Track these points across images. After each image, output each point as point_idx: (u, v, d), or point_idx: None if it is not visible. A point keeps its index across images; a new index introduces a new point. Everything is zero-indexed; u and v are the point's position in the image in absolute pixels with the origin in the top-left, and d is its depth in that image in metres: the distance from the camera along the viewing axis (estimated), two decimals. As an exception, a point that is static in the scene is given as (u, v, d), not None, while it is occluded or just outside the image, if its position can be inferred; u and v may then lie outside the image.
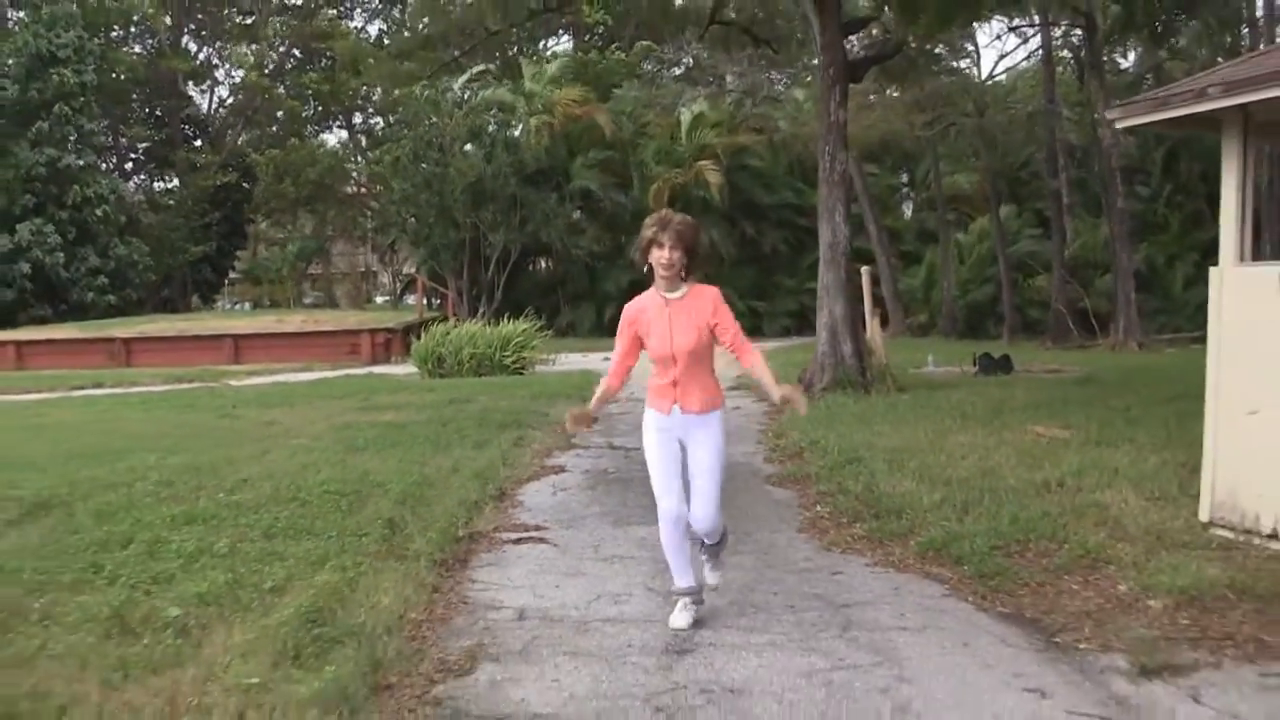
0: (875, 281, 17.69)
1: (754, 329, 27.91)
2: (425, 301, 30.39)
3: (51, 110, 29.70)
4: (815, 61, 13.24)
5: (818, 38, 12.26)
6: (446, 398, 12.05)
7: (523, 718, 3.10)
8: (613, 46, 34.62)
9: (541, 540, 5.32)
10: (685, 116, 29.41)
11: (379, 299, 49.69)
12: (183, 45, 41.03)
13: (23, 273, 28.93)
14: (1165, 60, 24.14)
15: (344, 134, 47.28)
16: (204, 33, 42.56)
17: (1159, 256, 25.08)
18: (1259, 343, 4.77)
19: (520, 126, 28.83)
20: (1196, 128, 5.44)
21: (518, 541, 5.29)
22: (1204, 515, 5.01)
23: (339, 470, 6.84)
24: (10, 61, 29.77)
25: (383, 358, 22.24)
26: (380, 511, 5.50)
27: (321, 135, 46.06)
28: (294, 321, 25.27)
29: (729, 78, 31.87)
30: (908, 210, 36.95)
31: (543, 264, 32.55)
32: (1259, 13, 22.37)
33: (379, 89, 38.96)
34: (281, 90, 41.90)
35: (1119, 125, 5.76)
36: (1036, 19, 23.57)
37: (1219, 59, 19.04)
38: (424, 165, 27.08)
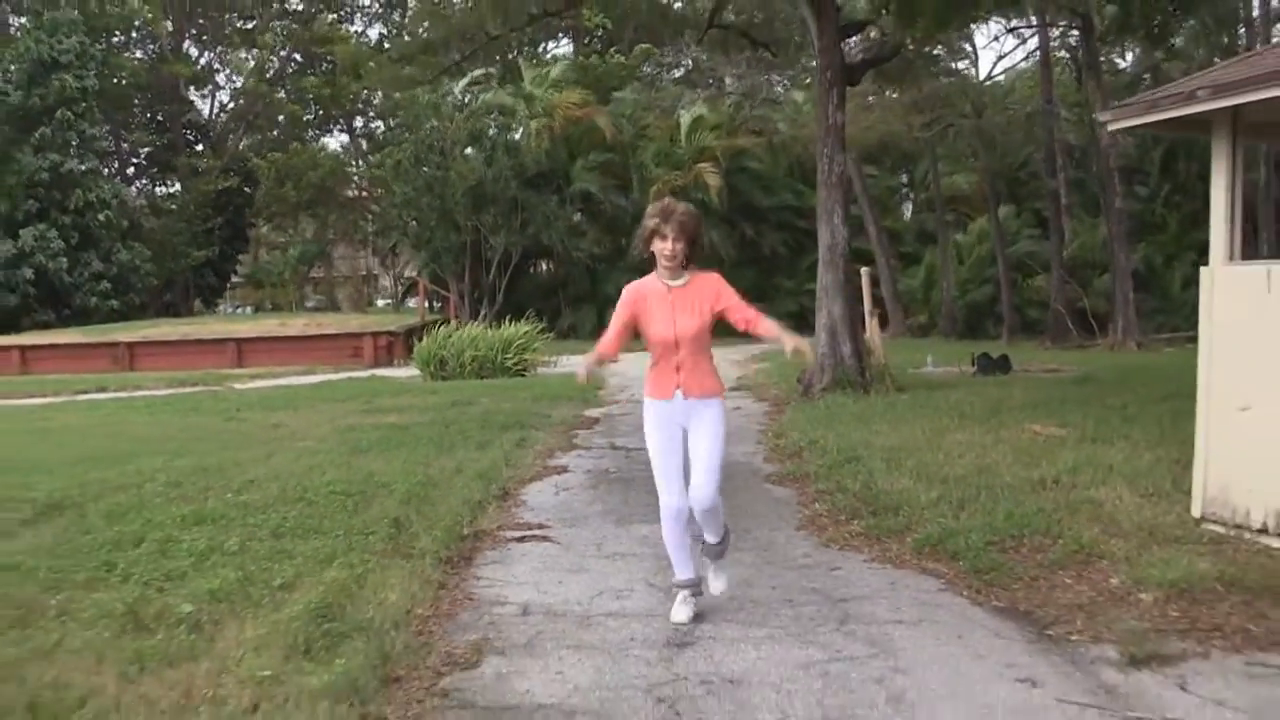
0: (875, 282, 17.77)
1: (754, 330, 27.99)
2: (427, 304, 30.50)
3: (54, 115, 29.79)
4: (814, 64, 13.32)
5: (815, 41, 12.34)
6: (449, 400, 12.15)
7: (528, 708, 3.18)
8: (612, 50, 34.76)
9: (545, 538, 5.41)
10: (685, 119, 29.54)
11: (380, 302, 49.82)
12: (184, 50, 41.17)
13: (26, 278, 29.01)
14: (1163, 61, 24.22)
15: (345, 138, 47.47)
16: (205, 38, 42.70)
17: (1157, 256, 25.16)
18: (1248, 340, 4.85)
19: (521, 130, 28.95)
20: (1187, 130, 5.53)
21: (521, 540, 5.38)
22: (1196, 511, 5.09)
23: (344, 471, 6.93)
24: (12, 67, 29.88)
25: (385, 360, 22.33)
26: (386, 511, 5.59)
27: (322, 139, 46.25)
28: (296, 325, 25.37)
29: (728, 80, 32.04)
30: (907, 211, 37.06)
31: (544, 266, 32.65)
32: (1255, 13, 22.45)
33: (380, 93, 39.07)
34: (282, 95, 42.03)
35: (1110, 128, 5.85)
36: (1034, 20, 23.67)
37: (1216, 59, 19.13)
38: (425, 169, 27.21)
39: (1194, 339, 5.30)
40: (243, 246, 43.35)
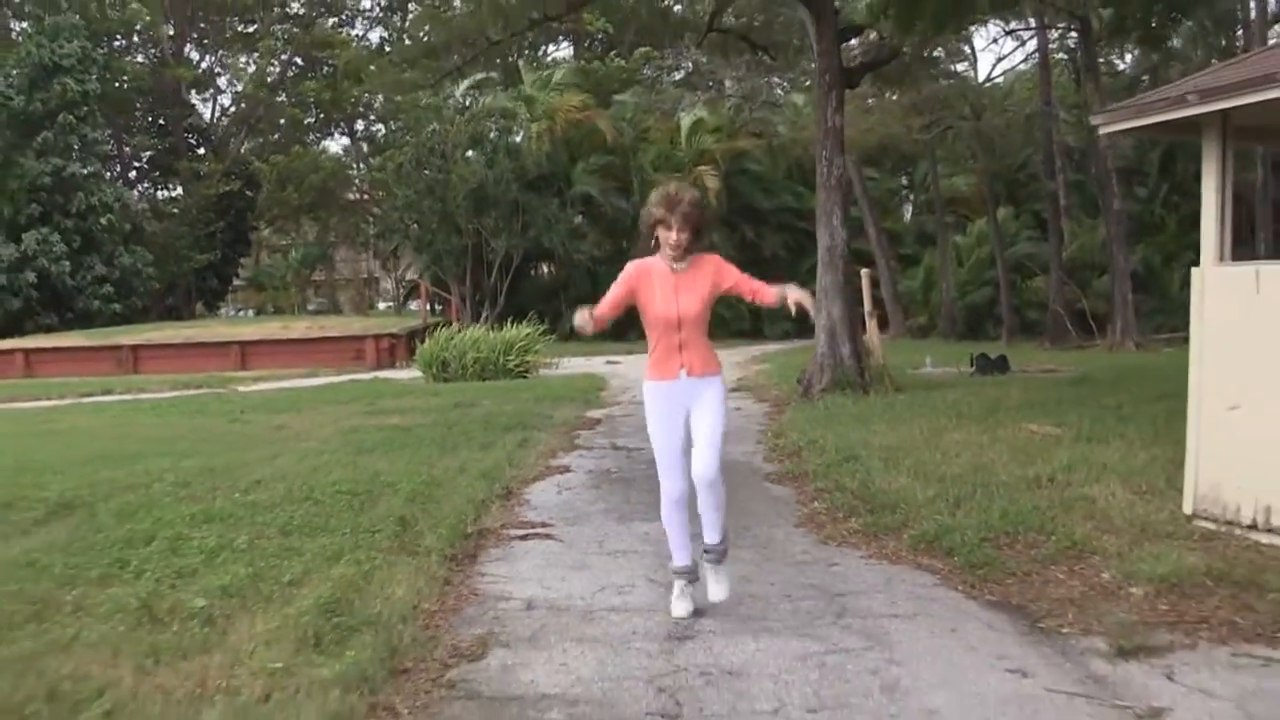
0: (875, 284, 17.87)
1: (754, 330, 28.09)
2: (429, 307, 30.61)
3: (56, 120, 29.93)
4: (813, 67, 13.41)
5: (814, 44, 12.44)
6: (451, 401, 12.23)
7: (533, 698, 3.28)
8: (613, 53, 34.89)
9: (547, 536, 5.51)
10: (685, 121, 29.67)
11: (382, 305, 49.93)
12: (185, 54, 41.33)
13: (29, 281, 29.14)
14: (1161, 63, 24.30)
15: (346, 141, 47.62)
16: (206, 41, 42.86)
17: (1156, 257, 25.24)
18: (1238, 340, 4.94)
19: (521, 133, 29.08)
20: (1179, 133, 5.63)
21: (524, 537, 5.47)
22: (1188, 508, 5.18)
23: (349, 471, 7.02)
24: (14, 72, 30.02)
25: (387, 363, 22.43)
26: (391, 510, 5.68)
27: (324, 142, 46.39)
28: (299, 328, 25.48)
29: (728, 83, 32.14)
30: (907, 213, 37.16)
31: (545, 269, 32.77)
32: (1253, 14, 22.52)
33: (381, 97, 39.22)
34: (283, 99, 42.17)
35: (1102, 131, 5.95)
36: (1032, 22, 23.76)
37: (1214, 60, 19.21)
38: (426, 172, 27.32)
39: (1190, 339, 5.40)
40: (244, 250, 43.48)
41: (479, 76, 29.19)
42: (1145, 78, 25.19)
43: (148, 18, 36.15)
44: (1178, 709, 3.09)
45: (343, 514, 5.63)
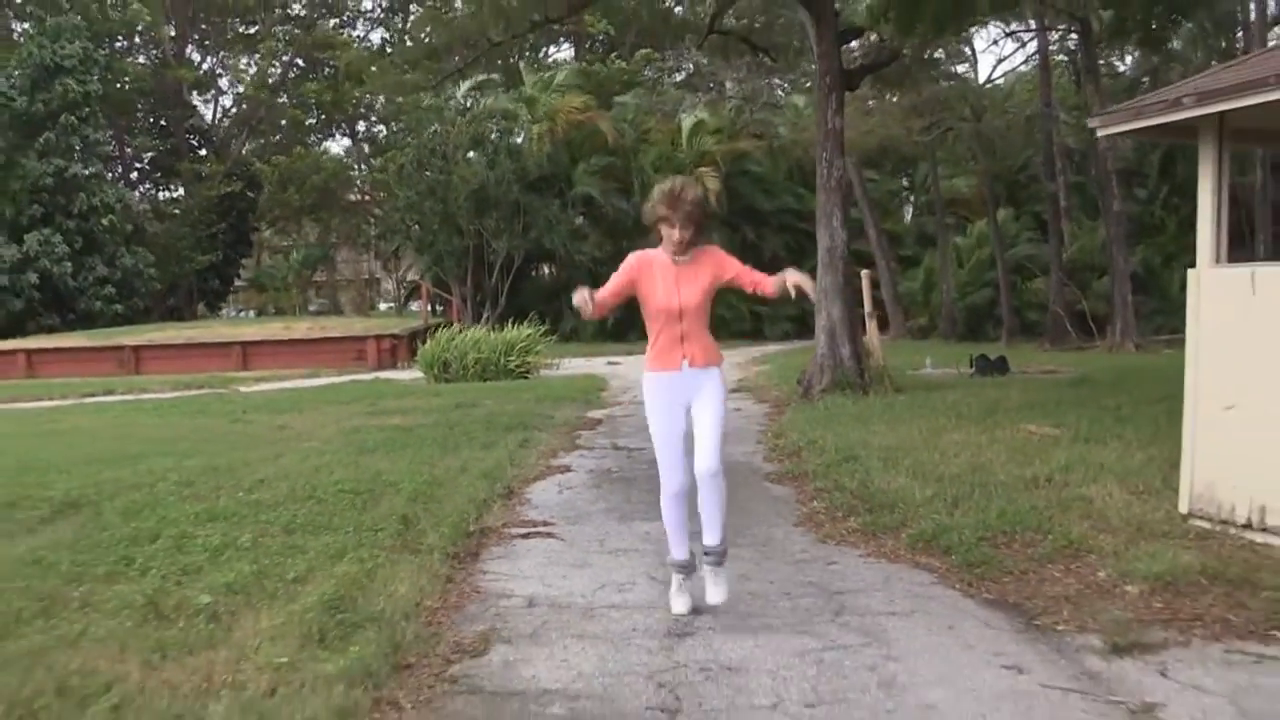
0: (875, 285, 17.92)
1: (755, 331, 28.16)
2: (430, 308, 30.65)
3: (57, 120, 29.99)
4: (813, 69, 13.46)
5: (814, 46, 12.49)
6: (453, 402, 12.28)
7: (534, 693, 3.32)
8: (614, 55, 34.96)
9: (549, 535, 5.55)
10: (686, 123, 29.72)
11: (383, 306, 50.04)
12: (187, 55, 41.41)
13: (31, 282, 29.18)
14: (1161, 64, 24.34)
15: (347, 142, 47.70)
16: (207, 42, 42.93)
17: (1156, 258, 25.28)
18: (1234, 341, 4.99)
19: (523, 134, 29.14)
20: (1175, 136, 5.68)
21: (526, 536, 5.52)
22: (1184, 507, 5.22)
23: (352, 471, 7.07)
24: (16, 73, 30.08)
25: (388, 363, 22.48)
26: (394, 509, 5.73)
27: (325, 143, 46.48)
28: (301, 329, 25.53)
29: (729, 85, 32.18)
30: (908, 214, 37.19)
31: (546, 270, 32.81)
32: (1253, 16, 22.56)
33: (382, 98, 39.32)
34: (284, 100, 42.24)
35: (1100, 133, 5.99)
36: (1033, 24, 23.80)
37: (1214, 62, 19.26)
38: (427, 173, 27.37)
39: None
40: (246, 251, 43.57)
41: (480, 78, 29.25)
42: (1145, 80, 25.20)
43: (149, 18, 36.23)
44: (1171, 704, 3.13)
45: (345, 513, 5.67)
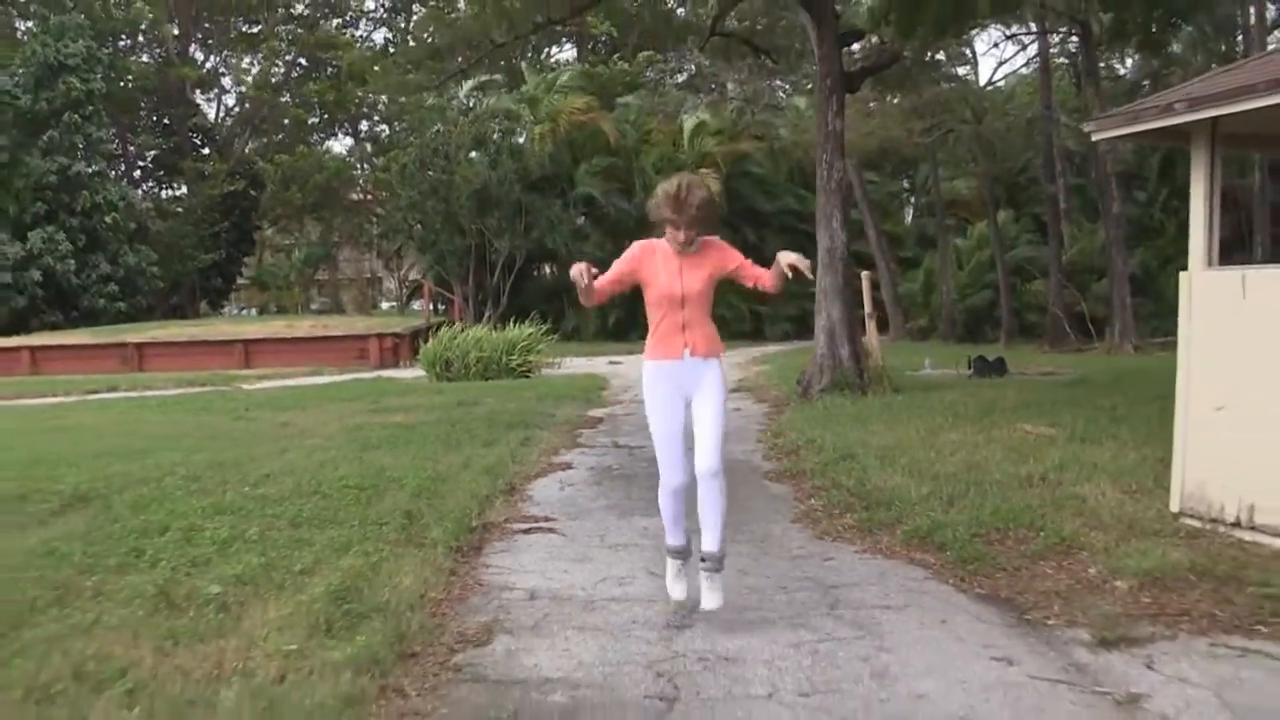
0: (875, 286, 18.00)
1: (755, 332, 28.26)
2: (432, 307, 30.75)
3: (61, 119, 30.09)
4: (814, 70, 13.56)
5: (815, 48, 12.58)
6: (455, 400, 12.36)
7: (536, 681, 3.41)
8: (616, 56, 35.06)
9: (550, 530, 5.64)
10: (687, 124, 29.84)
11: (385, 305, 50.15)
12: (190, 54, 41.51)
13: (35, 280, 29.27)
14: (1161, 68, 24.41)
15: (350, 141, 47.83)
16: (210, 41, 43.04)
17: (1155, 261, 25.34)
18: (1224, 343, 5.07)
19: (525, 134, 29.25)
20: (1169, 140, 5.77)
21: (528, 531, 5.60)
22: (1174, 506, 5.30)
23: (356, 467, 7.16)
24: (20, 71, 30.18)
25: (390, 362, 22.56)
26: (398, 504, 5.82)
27: (327, 143, 46.61)
28: (303, 327, 25.62)
29: (730, 86, 32.27)
30: (908, 216, 37.31)
31: (547, 270, 32.91)
32: (1252, 20, 22.65)
33: (385, 97, 39.44)
34: (287, 99, 42.35)
35: (1095, 137, 6.08)
36: (1033, 27, 23.88)
37: (1214, 65, 19.33)
38: (430, 172, 27.48)
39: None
40: (248, 249, 43.71)
41: (483, 78, 29.36)
42: (1146, 83, 25.29)
43: (152, 17, 36.35)
44: (1156, 695, 3.21)
45: (350, 507, 5.76)
